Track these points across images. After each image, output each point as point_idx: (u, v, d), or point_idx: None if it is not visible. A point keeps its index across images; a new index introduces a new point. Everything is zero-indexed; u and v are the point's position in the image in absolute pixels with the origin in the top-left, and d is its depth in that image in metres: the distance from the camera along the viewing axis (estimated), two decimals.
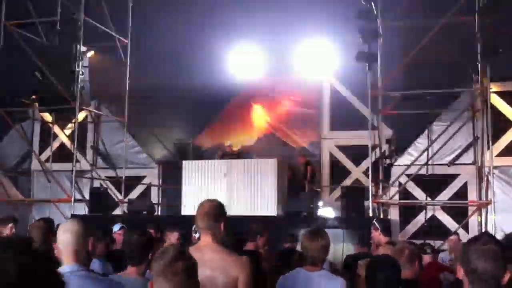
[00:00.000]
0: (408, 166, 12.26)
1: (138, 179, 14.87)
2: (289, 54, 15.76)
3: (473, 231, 11.39)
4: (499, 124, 12.04)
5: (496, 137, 11.91)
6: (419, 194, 12.31)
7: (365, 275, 3.55)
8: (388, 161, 12.83)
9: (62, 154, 14.94)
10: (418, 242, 8.17)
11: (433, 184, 12.12)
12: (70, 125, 14.92)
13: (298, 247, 5.86)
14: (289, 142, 16.33)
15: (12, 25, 13.69)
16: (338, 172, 14.16)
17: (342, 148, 14.20)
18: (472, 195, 11.98)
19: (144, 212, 11.93)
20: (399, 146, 13.30)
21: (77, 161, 13.60)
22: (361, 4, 12.02)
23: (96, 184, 14.57)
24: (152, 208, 12.62)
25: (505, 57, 11.37)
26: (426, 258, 6.50)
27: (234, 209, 10.28)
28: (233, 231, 5.11)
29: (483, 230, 11.13)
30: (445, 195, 12.19)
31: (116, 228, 7.67)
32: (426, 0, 12.38)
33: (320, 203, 13.04)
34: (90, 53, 14.74)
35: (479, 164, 11.99)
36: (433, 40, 11.63)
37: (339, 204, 11.88)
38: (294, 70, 16.04)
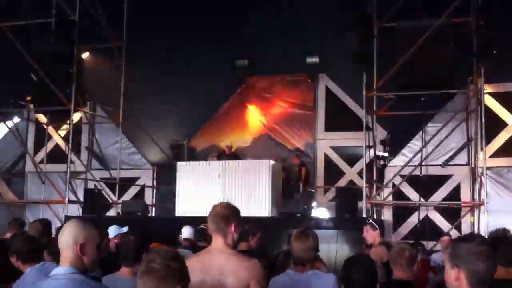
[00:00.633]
0: (402, 167, 12.29)
1: (132, 181, 14.85)
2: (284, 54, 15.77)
3: (466, 232, 11.41)
4: (493, 125, 12.08)
5: (489, 138, 11.96)
6: (413, 195, 12.34)
7: (342, 275, 3.63)
8: (382, 162, 12.85)
9: (57, 155, 14.90)
10: (410, 242, 8.20)
11: (426, 185, 12.15)
12: (64, 126, 14.88)
13: None
14: (284, 143, 16.37)
15: (6, 26, 13.66)
16: (332, 173, 14.19)
17: (337, 149, 14.22)
18: (465, 196, 12.02)
19: (138, 213, 11.92)
20: (394, 147, 13.33)
21: (72, 162, 13.58)
22: (357, 5, 12.05)
23: (91, 185, 14.55)
24: (146, 210, 12.62)
25: (499, 58, 11.42)
26: None
27: None
28: None
29: (476, 231, 11.16)
30: (438, 196, 12.22)
31: (112, 233, 6.46)
32: (421, 1, 12.40)
33: (314, 204, 13.07)
34: (85, 54, 14.71)
35: (473, 165, 12.04)
36: (428, 41, 11.66)
37: (333, 205, 11.91)
38: (289, 70, 16.09)
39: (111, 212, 14.18)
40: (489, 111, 12.07)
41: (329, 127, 14.49)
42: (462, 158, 12.22)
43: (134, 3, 14.41)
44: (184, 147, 15.54)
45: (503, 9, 11.57)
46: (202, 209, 9.99)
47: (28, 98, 14.57)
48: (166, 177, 14.09)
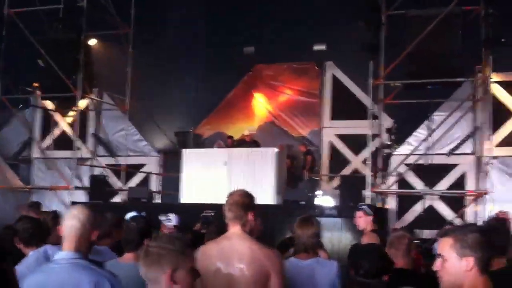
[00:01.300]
0: (407, 155, 12.26)
1: (138, 167, 14.92)
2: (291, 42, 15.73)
3: (471, 221, 11.40)
4: (500, 114, 12.01)
5: (496, 127, 11.91)
6: (418, 184, 12.33)
7: (349, 262, 3.55)
8: (387, 150, 12.83)
9: (63, 142, 14.97)
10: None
11: (431, 173, 12.12)
12: (71, 113, 14.94)
13: None
14: (289, 131, 16.37)
15: (15, 13, 13.71)
16: (337, 161, 14.17)
17: (342, 137, 14.19)
18: (470, 185, 11.99)
19: (144, 200, 12.00)
20: (399, 135, 13.30)
21: (78, 148, 13.65)
22: None
23: (97, 172, 14.64)
24: (151, 196, 12.69)
25: (507, 47, 11.34)
26: None
27: None
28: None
29: (480, 220, 11.13)
30: (443, 185, 12.20)
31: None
32: None
33: (319, 192, 13.08)
34: (93, 41, 14.73)
35: (479, 154, 11.98)
36: (436, 29, 11.58)
37: (337, 193, 11.92)
38: (296, 58, 16.05)
39: (117, 199, 14.27)
40: (496, 100, 12.00)
41: (335, 115, 14.43)
42: (467, 147, 12.17)
43: None
44: (190, 134, 15.54)
45: None
46: (207, 196, 10.15)
47: (36, 84, 14.64)
48: (171, 164, 14.14)
